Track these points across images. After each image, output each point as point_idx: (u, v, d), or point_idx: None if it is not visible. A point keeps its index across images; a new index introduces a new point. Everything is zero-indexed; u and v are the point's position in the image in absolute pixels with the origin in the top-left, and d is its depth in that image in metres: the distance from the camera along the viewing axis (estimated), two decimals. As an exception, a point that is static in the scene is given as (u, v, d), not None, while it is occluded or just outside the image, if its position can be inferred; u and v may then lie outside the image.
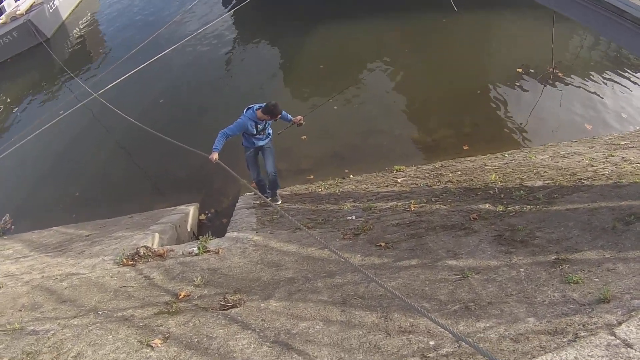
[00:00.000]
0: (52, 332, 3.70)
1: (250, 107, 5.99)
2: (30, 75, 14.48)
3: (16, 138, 8.93)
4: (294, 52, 12.52)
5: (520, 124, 8.95)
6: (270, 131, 6.35)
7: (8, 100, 13.20)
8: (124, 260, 4.93)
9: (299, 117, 6.30)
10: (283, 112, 6.16)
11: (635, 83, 9.96)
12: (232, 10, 15.12)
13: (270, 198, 6.64)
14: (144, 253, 5.00)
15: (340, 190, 6.89)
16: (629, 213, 4.36)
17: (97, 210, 7.90)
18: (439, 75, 10.70)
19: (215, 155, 5.77)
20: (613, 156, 6.52)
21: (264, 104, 5.89)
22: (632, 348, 2.61)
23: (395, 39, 12.74)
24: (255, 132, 6.04)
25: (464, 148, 8.16)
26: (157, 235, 5.79)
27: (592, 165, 6.26)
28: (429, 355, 2.95)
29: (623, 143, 7.28)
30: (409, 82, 10.65)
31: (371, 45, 12.44)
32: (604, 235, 4.10)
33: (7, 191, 9.06)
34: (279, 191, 6.87)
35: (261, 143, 6.26)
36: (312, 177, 7.83)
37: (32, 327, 3.82)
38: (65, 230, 7.10)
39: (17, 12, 16.10)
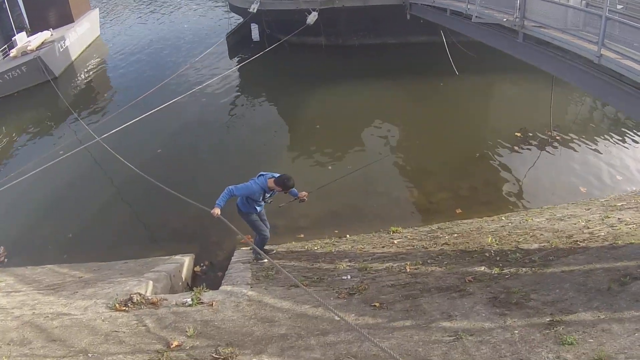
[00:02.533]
0: (39, 369, 3.61)
1: (263, 175, 5.90)
2: (35, 111, 14.58)
3: (15, 173, 8.94)
4: (295, 110, 12.94)
5: (518, 187, 9.05)
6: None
7: (13, 134, 13.30)
8: (117, 305, 4.87)
9: (304, 193, 6.18)
10: None
11: (631, 145, 10.21)
12: (239, 65, 15.66)
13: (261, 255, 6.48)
14: (137, 300, 4.94)
15: (336, 249, 6.88)
16: (624, 274, 4.35)
17: (89, 253, 7.82)
18: (438, 139, 10.97)
19: (217, 211, 5.69)
20: (609, 218, 6.56)
21: (278, 175, 5.85)
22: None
23: (394, 102, 13.19)
24: (260, 199, 5.99)
25: (457, 212, 8.17)
26: (151, 283, 5.72)
27: (589, 227, 6.28)
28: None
29: (619, 204, 7.32)
30: (407, 145, 10.91)
31: (370, 107, 12.86)
32: (599, 296, 4.07)
33: (3, 225, 8.98)
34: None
35: (260, 208, 6.22)
36: (302, 236, 7.76)
37: (20, 363, 3.72)
38: (59, 269, 7.00)
39: (28, 48, 16.40)
